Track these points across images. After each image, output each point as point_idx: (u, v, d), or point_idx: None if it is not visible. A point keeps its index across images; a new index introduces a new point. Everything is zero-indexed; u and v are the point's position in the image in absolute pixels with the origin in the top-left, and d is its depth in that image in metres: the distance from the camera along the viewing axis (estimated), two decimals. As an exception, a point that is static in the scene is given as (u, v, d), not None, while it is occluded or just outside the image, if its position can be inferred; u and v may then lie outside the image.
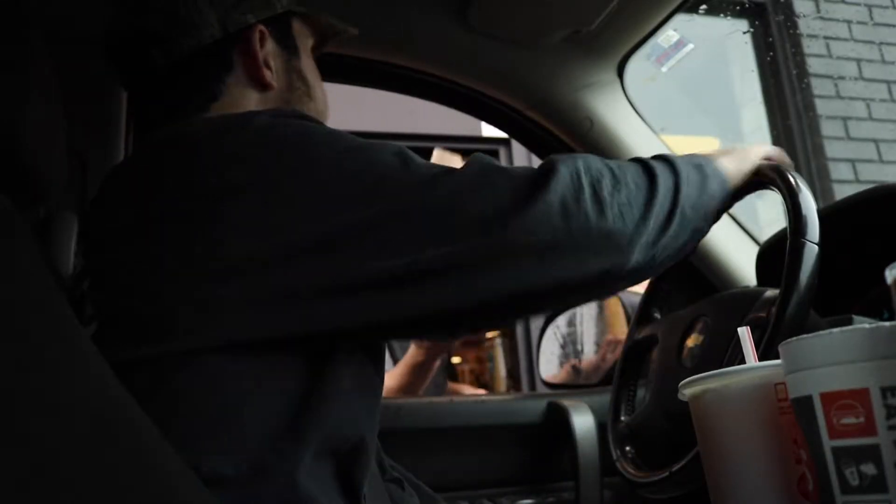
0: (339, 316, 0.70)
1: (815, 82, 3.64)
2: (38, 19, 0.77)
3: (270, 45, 0.90)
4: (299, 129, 0.75)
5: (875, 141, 3.67)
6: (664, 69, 1.53)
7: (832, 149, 3.59)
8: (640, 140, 1.47)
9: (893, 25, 3.77)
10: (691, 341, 1.02)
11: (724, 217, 1.12)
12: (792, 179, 0.89)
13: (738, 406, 0.58)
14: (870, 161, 3.63)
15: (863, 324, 0.49)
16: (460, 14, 1.25)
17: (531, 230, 0.71)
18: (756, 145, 0.96)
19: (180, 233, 0.70)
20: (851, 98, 3.69)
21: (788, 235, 0.85)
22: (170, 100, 0.87)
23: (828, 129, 3.62)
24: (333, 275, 0.69)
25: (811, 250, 0.83)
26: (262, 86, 0.88)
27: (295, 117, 0.77)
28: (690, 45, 1.51)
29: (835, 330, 0.48)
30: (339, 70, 1.37)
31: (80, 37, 0.91)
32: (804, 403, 0.49)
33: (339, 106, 1.02)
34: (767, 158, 0.95)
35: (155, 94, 0.89)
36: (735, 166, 0.91)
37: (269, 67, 0.89)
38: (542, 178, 0.73)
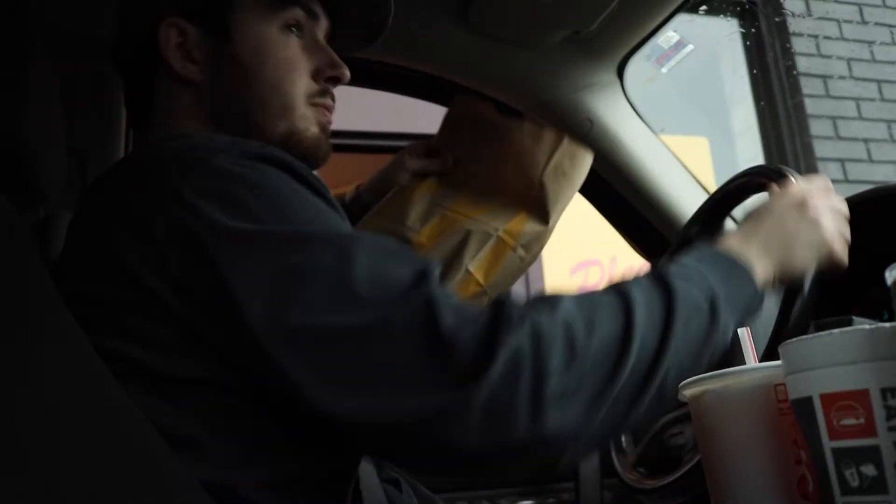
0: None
1: (804, 81, 3.63)
2: (38, 19, 0.77)
3: (194, 34, 0.83)
4: (248, 192, 0.66)
5: (865, 141, 3.65)
6: (664, 70, 1.53)
7: (821, 148, 3.58)
8: (639, 141, 1.47)
9: (884, 24, 3.76)
10: None
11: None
12: (793, 182, 0.89)
13: (738, 407, 0.58)
14: (859, 161, 3.61)
15: (863, 325, 0.49)
16: (460, 14, 1.25)
17: (446, 433, 0.59)
18: (827, 227, 0.81)
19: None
20: (841, 97, 3.67)
21: None
22: (129, 101, 0.89)
23: (817, 128, 3.60)
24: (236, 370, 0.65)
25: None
26: (188, 82, 0.83)
27: (260, 161, 0.70)
28: (690, 46, 1.51)
29: (835, 331, 0.48)
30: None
31: (80, 37, 0.91)
32: (804, 404, 0.49)
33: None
34: (830, 258, 0.81)
35: (126, 95, 0.90)
36: (778, 274, 0.76)
37: (193, 61, 0.83)
38: (478, 361, 0.58)
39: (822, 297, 0.84)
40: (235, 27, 0.83)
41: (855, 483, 0.47)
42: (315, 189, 0.71)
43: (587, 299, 0.65)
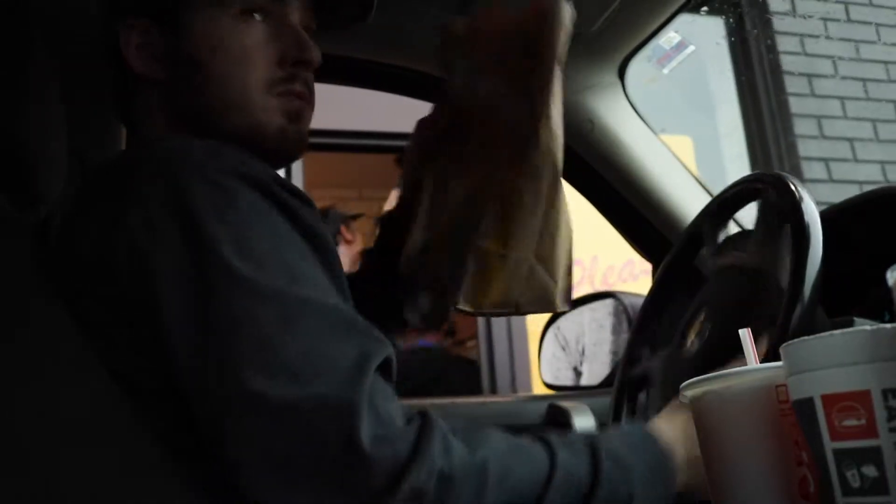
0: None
1: (789, 80, 3.59)
2: (38, 19, 0.77)
3: (153, 33, 0.80)
4: (211, 215, 0.63)
5: (850, 140, 3.61)
6: (665, 71, 1.53)
7: (806, 147, 3.53)
8: (640, 142, 1.47)
9: (870, 23, 3.73)
10: (694, 330, 1.01)
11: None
12: (793, 188, 0.89)
13: (739, 408, 0.58)
14: (844, 160, 3.57)
15: (864, 326, 0.48)
16: (461, 15, 1.25)
17: None
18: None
19: None
20: (827, 96, 3.63)
21: (791, 248, 0.85)
22: (116, 102, 0.88)
23: (801, 127, 3.55)
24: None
25: (814, 263, 0.83)
26: (153, 81, 0.81)
27: (235, 178, 0.66)
28: (692, 47, 1.51)
29: (836, 332, 0.48)
30: (337, 71, 1.37)
31: (81, 37, 0.91)
32: (805, 405, 0.49)
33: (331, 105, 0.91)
34: None
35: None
36: (690, 483, 0.71)
37: (155, 59, 0.81)
38: (386, 485, 0.57)
39: (823, 298, 0.84)
40: (188, 22, 0.80)
41: (856, 484, 0.46)
42: (292, 213, 0.67)
43: (515, 445, 0.65)
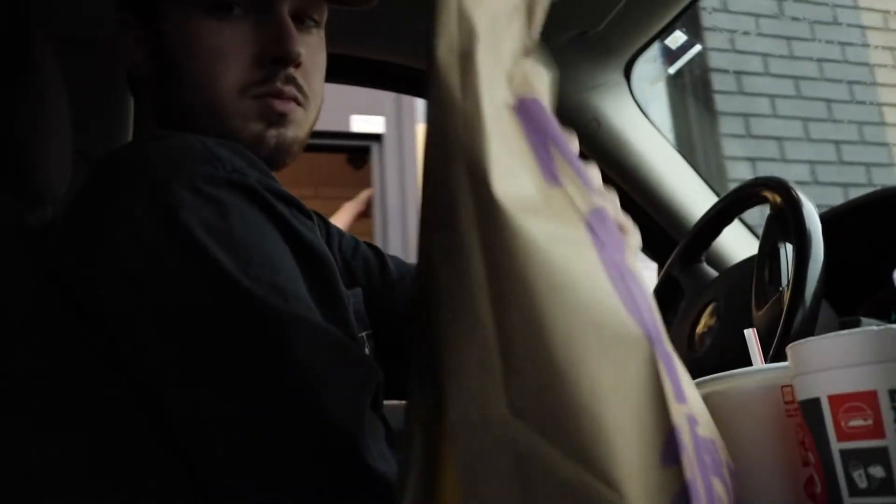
0: None
1: (716, 77, 3.45)
2: (44, 20, 0.77)
3: (141, 30, 0.77)
4: (200, 229, 0.58)
5: (778, 139, 3.48)
6: (671, 70, 1.53)
7: (731, 146, 3.40)
8: (646, 142, 1.47)
9: (805, 20, 3.64)
10: (701, 327, 1.01)
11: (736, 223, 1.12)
12: (794, 194, 0.89)
13: (744, 408, 0.58)
14: (771, 160, 3.43)
15: (871, 326, 0.48)
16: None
17: None
18: None
19: None
20: (755, 94, 3.49)
21: (793, 253, 0.85)
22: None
23: (727, 125, 3.41)
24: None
25: (816, 266, 0.83)
26: (144, 80, 0.78)
27: (228, 188, 0.61)
28: (698, 47, 1.51)
29: (843, 332, 0.48)
30: (336, 70, 1.37)
31: (87, 37, 0.91)
32: (812, 406, 0.49)
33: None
34: None
35: None
36: None
37: (147, 56, 0.77)
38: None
39: (828, 299, 0.84)
40: (168, 17, 0.74)
41: (863, 485, 0.46)
42: (287, 227, 0.63)
43: None
